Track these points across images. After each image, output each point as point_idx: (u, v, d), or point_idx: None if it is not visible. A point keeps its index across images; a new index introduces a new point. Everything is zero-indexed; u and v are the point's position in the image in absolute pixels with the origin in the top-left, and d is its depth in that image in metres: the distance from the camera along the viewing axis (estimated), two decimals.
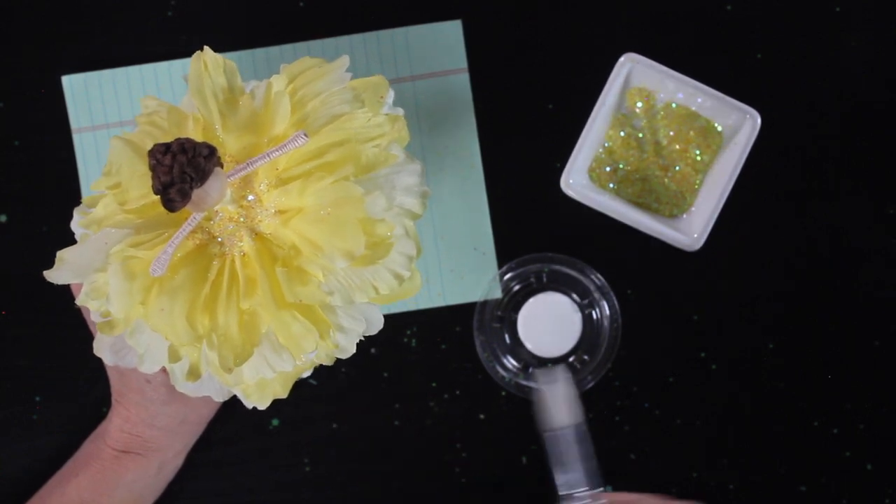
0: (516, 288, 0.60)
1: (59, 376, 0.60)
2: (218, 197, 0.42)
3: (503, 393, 0.61)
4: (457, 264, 0.61)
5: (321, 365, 0.61)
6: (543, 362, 0.60)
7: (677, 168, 0.59)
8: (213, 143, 0.44)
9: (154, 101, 0.48)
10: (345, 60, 0.47)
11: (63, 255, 0.45)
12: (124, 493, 0.55)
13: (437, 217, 0.61)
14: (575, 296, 0.60)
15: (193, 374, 0.44)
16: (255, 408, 0.47)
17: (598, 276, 0.60)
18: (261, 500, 0.61)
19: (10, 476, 0.60)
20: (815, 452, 0.61)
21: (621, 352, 0.60)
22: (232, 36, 0.62)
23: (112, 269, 0.43)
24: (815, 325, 0.61)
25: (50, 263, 0.46)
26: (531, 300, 0.60)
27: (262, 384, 0.46)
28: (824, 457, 0.61)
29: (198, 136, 0.45)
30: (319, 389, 0.61)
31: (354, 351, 0.46)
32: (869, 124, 0.61)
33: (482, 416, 0.61)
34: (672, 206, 0.59)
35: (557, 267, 0.60)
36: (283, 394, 0.46)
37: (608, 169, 0.59)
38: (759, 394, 0.61)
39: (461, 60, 0.61)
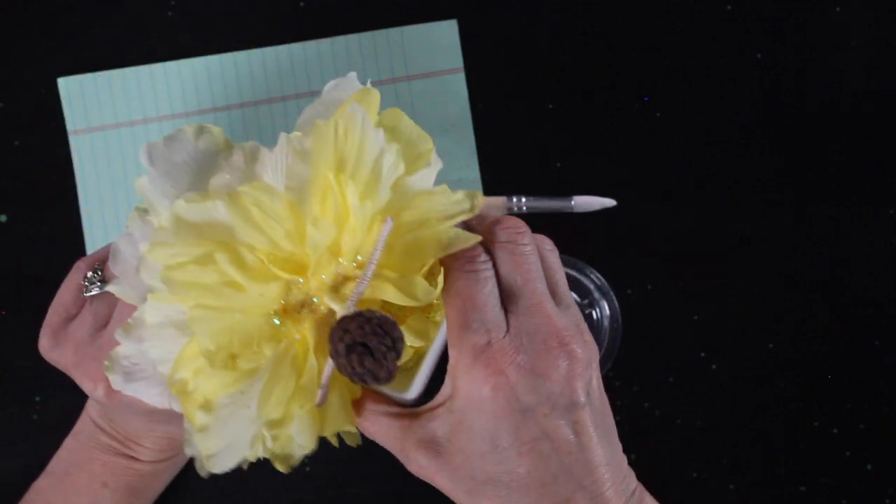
0: None
1: (59, 376, 0.60)
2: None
3: None
4: None
5: None
6: None
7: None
8: (286, 270, 0.40)
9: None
10: (357, 111, 0.39)
11: (209, 452, 0.40)
12: (163, 482, 0.58)
13: None
14: (575, 296, 0.60)
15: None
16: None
17: (598, 276, 0.60)
18: (261, 500, 0.61)
19: (10, 476, 0.60)
20: (815, 452, 0.61)
21: (621, 352, 0.60)
22: (232, 36, 0.62)
23: (295, 425, 0.40)
24: (815, 325, 0.61)
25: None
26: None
27: None
28: (824, 457, 0.61)
29: (262, 271, 0.39)
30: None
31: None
32: (869, 124, 0.61)
33: None
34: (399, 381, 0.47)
35: None
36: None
37: None
38: (759, 394, 0.61)
39: (457, 60, 0.61)
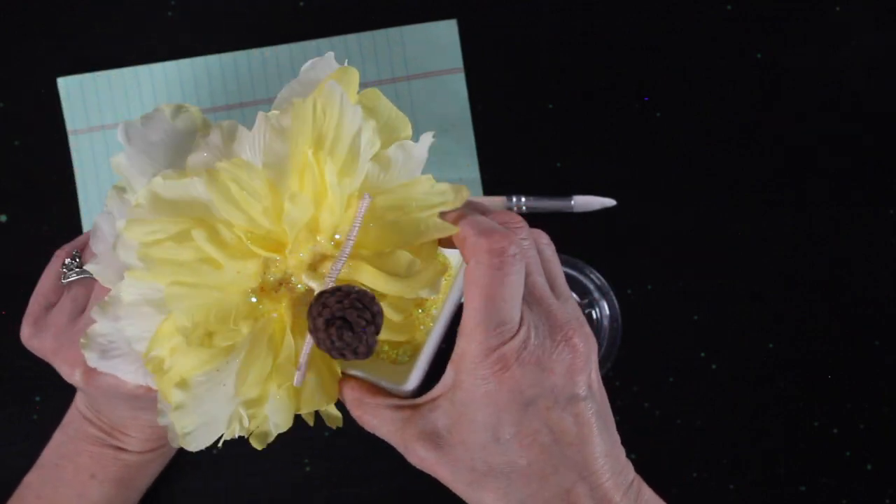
0: None
1: (59, 376, 0.60)
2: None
3: None
4: None
5: None
6: None
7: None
8: (266, 243, 0.40)
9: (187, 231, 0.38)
10: (335, 89, 0.39)
11: (185, 430, 0.39)
12: (150, 479, 0.58)
13: None
14: (575, 295, 0.60)
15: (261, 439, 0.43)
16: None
17: (598, 276, 0.60)
18: (261, 500, 0.61)
19: (10, 476, 0.60)
20: (815, 452, 0.61)
21: (621, 352, 0.60)
22: (232, 36, 0.62)
23: (272, 407, 0.40)
24: (815, 325, 0.61)
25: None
26: None
27: None
28: (824, 457, 0.61)
29: (239, 245, 0.39)
30: None
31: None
32: (869, 124, 0.61)
33: None
34: (396, 350, 0.48)
35: None
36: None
37: None
38: (759, 394, 0.61)
39: (457, 60, 0.61)
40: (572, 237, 0.61)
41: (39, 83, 0.62)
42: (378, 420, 0.43)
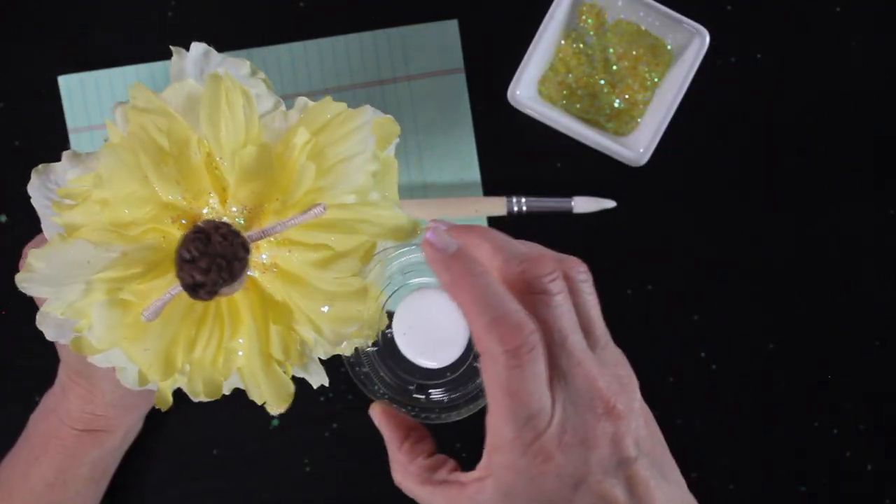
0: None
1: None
2: (238, 288, 0.40)
3: None
4: None
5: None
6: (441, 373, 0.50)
7: (626, 86, 0.59)
8: (215, 178, 0.41)
9: (147, 94, 0.41)
10: (366, 113, 0.42)
11: (35, 262, 0.40)
12: (89, 469, 0.55)
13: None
14: None
15: (144, 380, 0.43)
16: (263, 411, 0.45)
17: None
18: (261, 500, 0.61)
19: None
20: (815, 452, 0.61)
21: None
22: (232, 36, 0.62)
23: (100, 303, 0.40)
24: (815, 325, 0.61)
25: None
26: (402, 303, 0.44)
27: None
28: (824, 457, 0.61)
29: (200, 167, 0.41)
30: (319, 389, 0.61)
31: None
32: (869, 125, 0.61)
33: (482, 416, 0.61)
34: (620, 123, 0.59)
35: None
36: (227, 391, 0.44)
37: (557, 84, 0.60)
38: (759, 394, 0.61)
39: (457, 60, 0.61)
40: (572, 237, 0.61)
41: (39, 83, 0.62)
42: (420, 491, 0.41)
